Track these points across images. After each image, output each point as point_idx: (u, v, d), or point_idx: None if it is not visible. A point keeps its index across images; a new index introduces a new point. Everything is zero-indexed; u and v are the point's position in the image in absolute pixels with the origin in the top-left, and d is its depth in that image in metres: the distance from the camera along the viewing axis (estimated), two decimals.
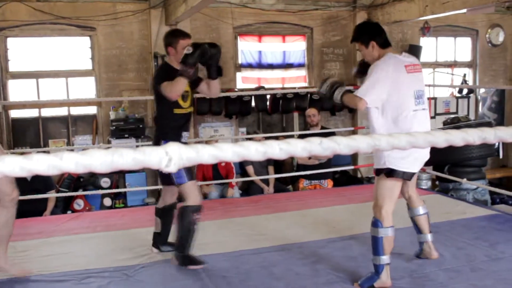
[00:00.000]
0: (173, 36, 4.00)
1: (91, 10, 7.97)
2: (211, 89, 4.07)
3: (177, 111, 3.92)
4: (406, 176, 3.52)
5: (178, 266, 3.95)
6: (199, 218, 3.92)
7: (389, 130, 3.43)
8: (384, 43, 3.57)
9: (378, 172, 3.53)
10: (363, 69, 3.68)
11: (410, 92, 3.44)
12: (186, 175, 3.85)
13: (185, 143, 3.85)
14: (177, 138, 3.92)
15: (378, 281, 3.47)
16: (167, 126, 3.96)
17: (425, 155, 3.57)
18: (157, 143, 3.94)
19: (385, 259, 3.46)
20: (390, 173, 3.46)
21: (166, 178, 3.97)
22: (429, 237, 3.91)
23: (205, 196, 7.41)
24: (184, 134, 4.03)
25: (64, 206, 7.43)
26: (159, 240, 4.29)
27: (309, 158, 7.16)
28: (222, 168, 7.54)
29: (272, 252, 4.25)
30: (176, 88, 3.73)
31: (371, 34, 3.59)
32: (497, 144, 8.99)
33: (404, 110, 3.40)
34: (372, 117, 3.50)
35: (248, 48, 8.94)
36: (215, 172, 7.50)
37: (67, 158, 0.97)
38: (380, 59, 3.48)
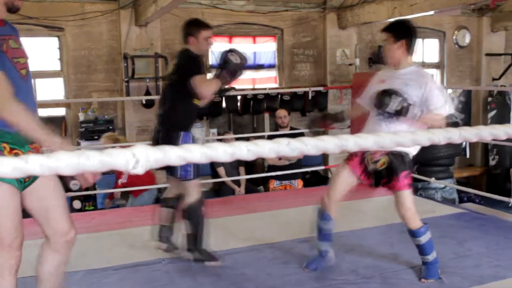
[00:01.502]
0: (195, 26, 3.91)
1: (59, 10, 7.85)
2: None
3: (196, 101, 3.82)
4: None
5: (148, 270, 3.92)
6: (205, 211, 3.93)
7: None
8: (412, 50, 3.47)
9: (400, 184, 3.45)
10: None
11: None
12: (193, 172, 3.82)
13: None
14: (191, 128, 3.91)
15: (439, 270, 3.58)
16: (188, 117, 3.87)
17: None
18: (175, 135, 3.78)
19: (435, 253, 3.57)
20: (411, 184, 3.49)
21: (171, 167, 3.81)
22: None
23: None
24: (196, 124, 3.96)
25: None
26: (169, 233, 4.15)
27: (279, 158, 7.19)
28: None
29: (243, 252, 4.26)
30: (212, 89, 3.70)
31: (408, 33, 3.44)
32: (464, 143, 9.17)
33: None
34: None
35: (218, 49, 8.88)
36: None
37: (32, 161, 0.96)
38: (428, 78, 3.41)
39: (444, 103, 3.35)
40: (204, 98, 3.72)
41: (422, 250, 3.54)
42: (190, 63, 3.80)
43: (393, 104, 3.27)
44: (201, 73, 3.71)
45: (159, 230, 4.13)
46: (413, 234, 3.48)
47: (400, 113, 3.29)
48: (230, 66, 3.71)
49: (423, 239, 3.48)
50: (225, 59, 3.74)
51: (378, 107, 3.37)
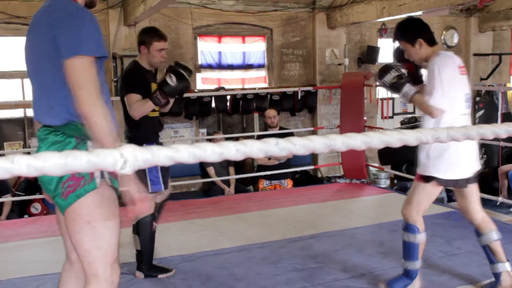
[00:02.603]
0: (148, 36, 3.71)
1: None
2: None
3: (151, 114, 3.71)
4: (450, 184, 3.32)
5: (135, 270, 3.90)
6: (156, 226, 3.86)
7: None
8: (432, 40, 3.34)
9: (421, 176, 3.30)
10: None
11: (462, 94, 3.25)
12: (163, 183, 3.71)
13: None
14: (157, 140, 3.78)
15: (411, 286, 3.33)
16: (148, 130, 3.72)
17: (473, 162, 3.32)
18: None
19: (419, 263, 3.33)
20: (429, 178, 3.25)
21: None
22: (507, 266, 3.34)
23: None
24: (159, 136, 3.86)
25: (21, 210, 7.25)
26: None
27: (269, 158, 7.19)
28: None
29: (233, 252, 4.26)
30: (142, 111, 3.58)
31: (417, 30, 3.33)
32: None
33: (455, 113, 3.18)
34: (425, 119, 3.27)
35: (208, 48, 8.90)
36: None
37: (18, 161, 0.95)
38: (436, 57, 3.22)
39: (431, 91, 3.13)
40: (133, 118, 3.60)
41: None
42: (128, 78, 3.70)
43: (389, 77, 3.31)
44: (134, 92, 3.59)
45: None
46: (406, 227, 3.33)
47: (394, 86, 3.31)
48: (165, 88, 3.55)
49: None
50: (163, 78, 3.57)
51: (379, 78, 3.41)
